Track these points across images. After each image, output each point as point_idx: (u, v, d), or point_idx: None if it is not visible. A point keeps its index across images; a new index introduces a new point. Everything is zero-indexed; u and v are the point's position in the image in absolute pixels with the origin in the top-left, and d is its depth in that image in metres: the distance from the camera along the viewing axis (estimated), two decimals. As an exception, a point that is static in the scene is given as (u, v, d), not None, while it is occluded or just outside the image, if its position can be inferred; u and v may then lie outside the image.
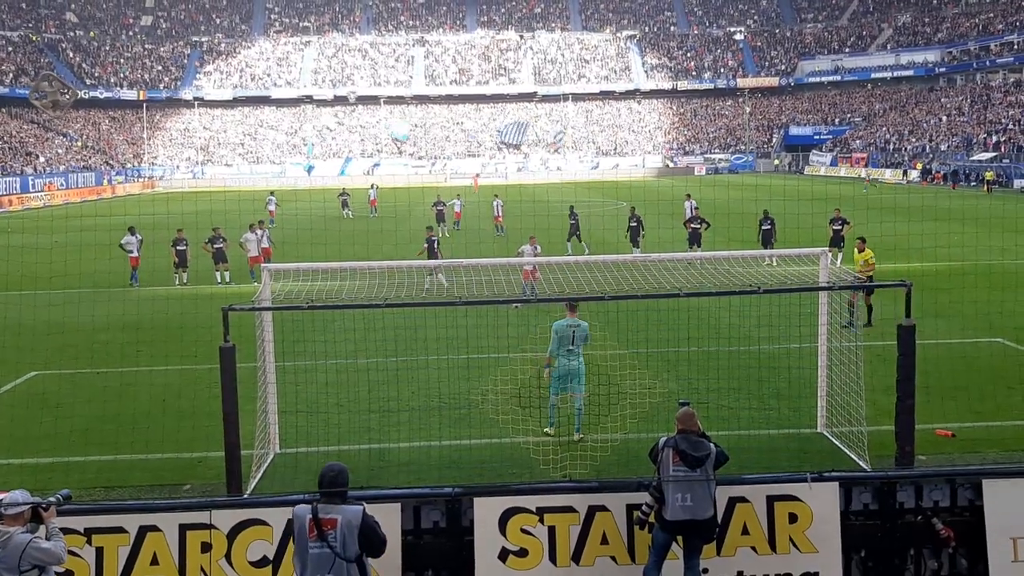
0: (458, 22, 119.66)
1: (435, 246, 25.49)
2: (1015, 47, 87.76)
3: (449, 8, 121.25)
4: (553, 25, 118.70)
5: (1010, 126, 75.40)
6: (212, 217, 29.89)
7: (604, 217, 43.67)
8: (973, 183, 68.18)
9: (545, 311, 13.61)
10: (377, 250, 28.86)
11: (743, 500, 8.81)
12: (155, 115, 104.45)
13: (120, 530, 8.50)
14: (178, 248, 27.96)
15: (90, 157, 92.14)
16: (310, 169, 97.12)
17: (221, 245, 27.98)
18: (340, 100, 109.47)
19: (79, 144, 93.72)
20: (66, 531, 7.38)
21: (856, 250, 19.28)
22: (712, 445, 8.24)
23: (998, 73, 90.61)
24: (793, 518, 8.81)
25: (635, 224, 30.76)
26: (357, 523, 6.57)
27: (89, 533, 8.44)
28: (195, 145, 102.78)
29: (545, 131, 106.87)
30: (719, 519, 8.53)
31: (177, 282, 27.92)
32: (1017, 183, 64.53)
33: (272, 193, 50.71)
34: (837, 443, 12.12)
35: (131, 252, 28.12)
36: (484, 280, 16.14)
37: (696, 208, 35.97)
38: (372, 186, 57.03)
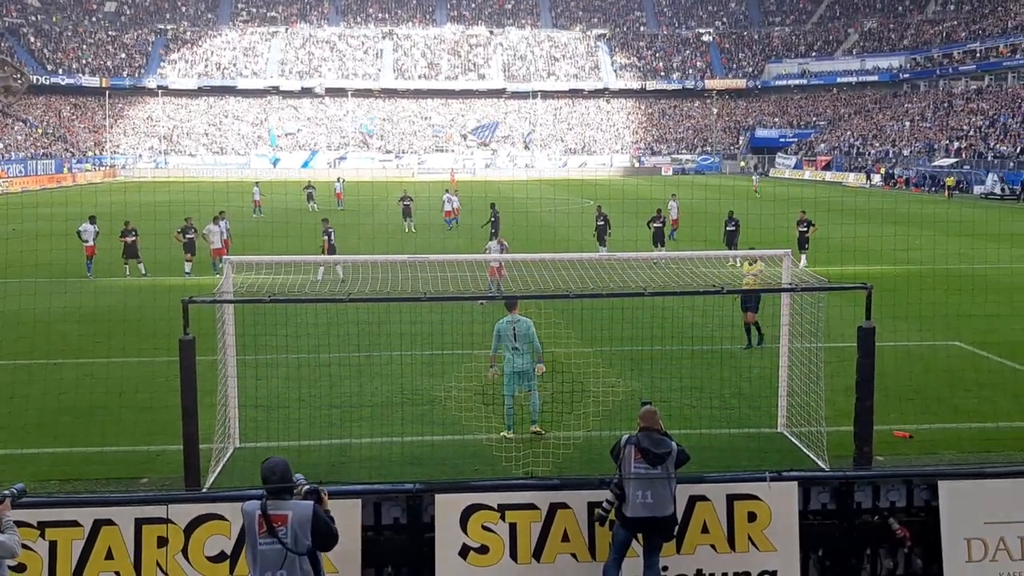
0: (428, 16, 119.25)
1: (331, 238, 26.17)
2: (977, 55, 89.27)
3: (419, 1, 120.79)
4: (523, 22, 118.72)
5: (971, 133, 76.68)
6: (174, 208, 29.51)
7: (570, 215, 43.74)
8: (934, 188, 69.25)
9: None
10: (342, 244, 28.65)
11: (703, 499, 8.86)
12: (118, 103, 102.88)
13: (74, 524, 8.34)
14: (127, 240, 27.57)
15: (50, 144, 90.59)
16: (275, 161, 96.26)
17: (192, 236, 27.67)
18: (307, 92, 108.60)
19: (39, 131, 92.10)
20: (19, 524, 7.22)
21: (748, 262, 18.04)
22: (674, 443, 8.28)
23: (960, 80, 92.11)
24: (752, 517, 8.87)
25: (602, 223, 30.86)
26: (308, 518, 6.53)
27: (42, 526, 8.28)
28: (158, 134, 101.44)
29: (513, 128, 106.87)
30: (679, 517, 8.57)
31: (129, 273, 27.52)
32: (977, 189, 65.63)
33: (257, 184, 50.46)
34: (797, 443, 12.25)
35: (87, 241, 27.67)
36: (449, 276, 16.08)
37: (679, 208, 36.36)
38: (338, 179, 56.68)
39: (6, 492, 6.76)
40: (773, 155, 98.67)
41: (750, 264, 17.61)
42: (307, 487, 6.77)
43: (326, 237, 26.26)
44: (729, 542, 8.81)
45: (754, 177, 60.24)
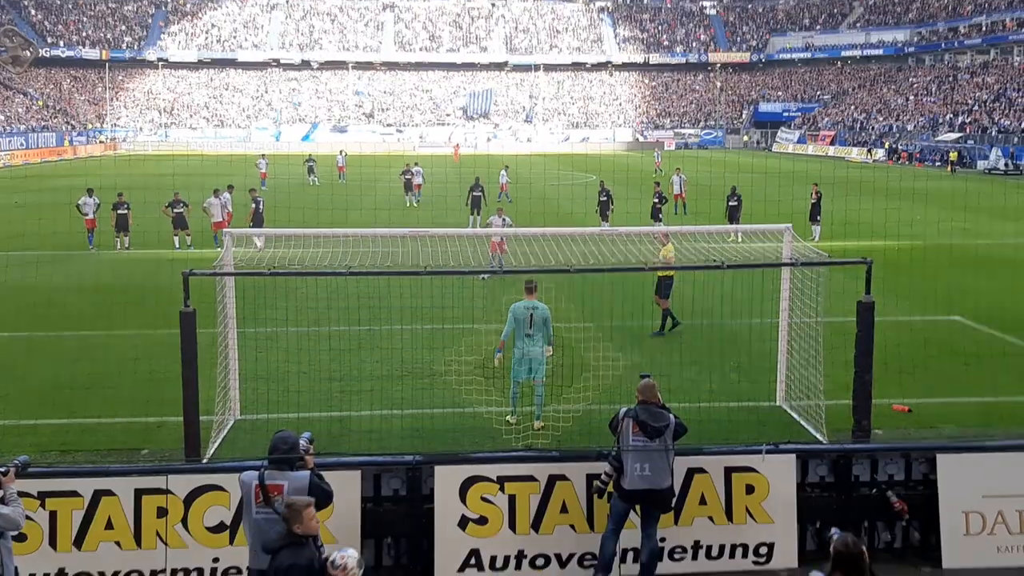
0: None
1: (259, 207, 27.08)
2: (983, 29, 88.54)
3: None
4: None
5: (975, 107, 76.23)
6: (176, 181, 29.43)
7: (573, 188, 43.66)
8: (937, 163, 68.93)
9: (511, 283, 13.58)
10: (343, 217, 28.59)
11: (701, 471, 8.90)
12: (118, 75, 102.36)
13: (74, 494, 8.41)
14: (118, 212, 27.57)
15: (51, 117, 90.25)
16: (278, 136, 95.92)
17: (181, 210, 27.61)
18: (307, 64, 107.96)
19: (39, 104, 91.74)
20: (19, 494, 7.27)
21: (660, 243, 17.19)
22: (672, 416, 8.30)
23: (966, 54, 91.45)
24: (750, 489, 8.92)
25: (605, 198, 30.78)
26: (304, 487, 6.62)
27: (43, 496, 8.35)
28: (159, 107, 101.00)
29: (515, 101, 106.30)
30: (677, 489, 8.60)
31: (118, 246, 27.54)
32: (981, 164, 65.34)
33: (263, 156, 50.28)
34: (795, 416, 12.27)
35: (86, 214, 27.69)
36: (451, 251, 16.06)
37: (685, 182, 36.28)
38: (340, 152, 56.48)
39: (11, 464, 6.79)
40: (776, 130, 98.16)
41: (662, 244, 16.69)
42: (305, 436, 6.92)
43: (254, 206, 27.57)
44: (727, 514, 8.87)
45: (656, 153, 59.73)
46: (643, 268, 15.40)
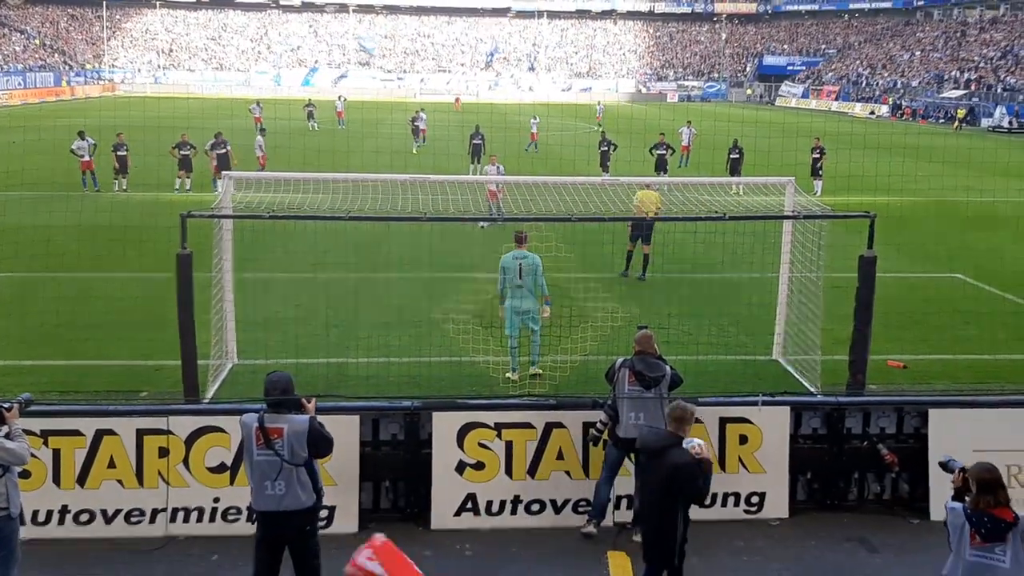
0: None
1: (225, 147, 27.36)
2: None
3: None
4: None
5: (982, 64, 75.46)
6: (176, 123, 29.17)
7: (577, 136, 43.40)
8: (941, 120, 68.46)
9: (511, 231, 13.55)
10: (344, 161, 28.44)
11: (696, 421, 8.95)
12: (115, 15, 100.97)
13: (77, 433, 8.49)
14: (118, 153, 27.47)
15: (48, 56, 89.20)
16: (278, 80, 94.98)
17: (188, 152, 27.52)
18: (308, 7, 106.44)
19: (37, 42, 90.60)
20: (24, 432, 7.33)
21: (640, 188, 17.46)
22: (667, 367, 8.36)
23: (975, 9, 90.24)
24: (744, 439, 9.01)
25: (605, 148, 30.58)
26: (304, 431, 6.65)
27: (46, 435, 8.42)
28: (157, 48, 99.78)
29: (518, 48, 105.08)
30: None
31: (117, 188, 27.50)
32: (985, 122, 64.88)
33: (258, 102, 49.80)
34: (791, 370, 12.34)
35: (82, 156, 27.61)
36: (451, 199, 16.01)
37: (694, 135, 36.10)
38: (339, 97, 56.02)
39: (14, 400, 6.84)
40: (780, 83, 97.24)
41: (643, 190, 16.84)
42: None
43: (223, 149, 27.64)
44: (720, 463, 8.96)
45: (598, 106, 58.57)
46: (644, 218, 15.40)
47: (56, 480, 8.43)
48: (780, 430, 9.09)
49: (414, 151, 39.46)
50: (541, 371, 12.09)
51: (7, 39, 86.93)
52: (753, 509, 9.02)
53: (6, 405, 6.72)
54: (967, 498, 6.03)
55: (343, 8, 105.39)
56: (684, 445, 6.77)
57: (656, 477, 6.77)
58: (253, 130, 44.20)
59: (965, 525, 5.91)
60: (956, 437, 9.02)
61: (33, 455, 7.84)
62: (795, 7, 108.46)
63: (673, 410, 7.02)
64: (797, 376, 12.05)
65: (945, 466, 6.49)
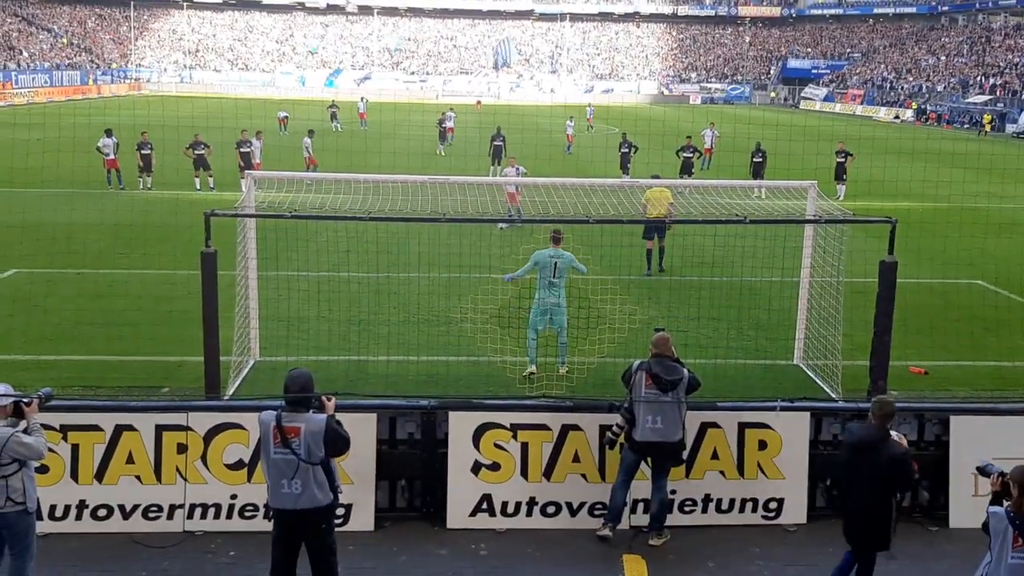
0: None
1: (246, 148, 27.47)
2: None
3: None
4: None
5: (1007, 70, 74.73)
6: (196, 123, 29.39)
7: (594, 138, 43.37)
8: (966, 125, 67.83)
9: (529, 233, 13.55)
10: (363, 162, 28.57)
11: (715, 425, 8.94)
12: (143, 15, 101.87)
13: (96, 428, 8.56)
14: (142, 152, 27.70)
15: (75, 55, 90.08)
16: (303, 81, 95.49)
17: (203, 151, 27.68)
18: (332, 8, 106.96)
19: (64, 41, 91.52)
20: (42, 426, 7.41)
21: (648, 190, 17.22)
22: (685, 370, 8.32)
23: (1000, 15, 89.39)
24: (763, 445, 8.96)
25: (626, 150, 30.52)
26: (320, 430, 6.66)
27: (65, 430, 8.50)
28: (183, 48, 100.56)
29: (540, 50, 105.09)
30: (688, 443, 8.65)
31: (141, 186, 27.75)
32: (1010, 128, 64.23)
33: (286, 112, 50.07)
34: (812, 375, 12.27)
35: (107, 155, 27.87)
36: (470, 199, 16.04)
37: (717, 138, 36.02)
38: (362, 99, 56.29)
39: (34, 395, 6.90)
40: (804, 86, 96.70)
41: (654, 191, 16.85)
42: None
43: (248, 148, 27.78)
44: (738, 469, 8.92)
45: (588, 109, 57.86)
46: (662, 220, 15.38)
47: (74, 475, 8.50)
48: (800, 436, 9.03)
49: (441, 152, 39.51)
50: (567, 370, 12.13)
51: (35, 37, 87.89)
52: (771, 515, 8.97)
53: (25, 400, 6.78)
54: (1007, 501, 6.04)
55: (367, 10, 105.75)
56: (893, 437, 7.22)
57: (872, 469, 7.13)
58: (277, 131, 44.59)
59: (1008, 528, 5.92)
60: (978, 444, 8.91)
61: (51, 450, 7.93)
62: (819, 11, 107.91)
63: (883, 406, 7.29)
64: (818, 381, 11.98)
65: (983, 471, 6.57)
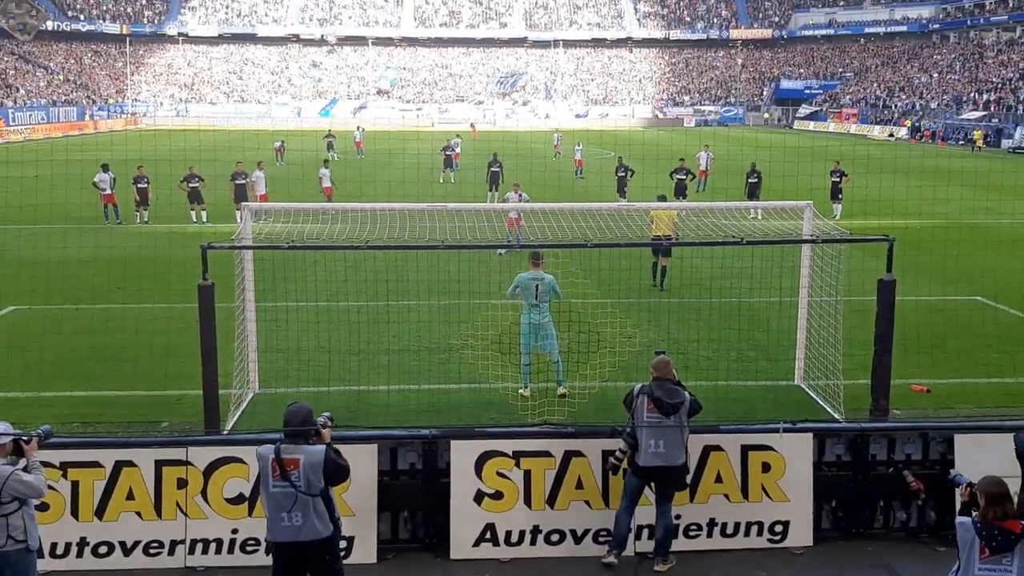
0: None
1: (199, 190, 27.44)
2: (1009, 5, 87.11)
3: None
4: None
5: (1000, 85, 75.15)
6: (189, 155, 29.49)
7: (589, 162, 43.49)
8: (961, 142, 68.12)
9: (527, 257, 13.56)
10: (361, 190, 28.62)
11: (718, 448, 8.89)
12: (138, 50, 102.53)
13: (96, 464, 8.51)
14: (139, 186, 27.76)
15: (71, 91, 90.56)
16: (299, 112, 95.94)
17: (196, 184, 27.72)
18: (327, 40, 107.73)
19: (60, 78, 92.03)
20: (41, 464, 7.36)
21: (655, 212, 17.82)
22: (686, 393, 8.29)
23: (992, 31, 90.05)
24: (766, 467, 8.91)
25: (622, 174, 30.63)
26: (320, 461, 6.64)
27: (65, 467, 8.45)
28: (179, 82, 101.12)
29: (535, 77, 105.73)
30: (691, 466, 8.60)
31: (138, 220, 27.79)
32: (1005, 143, 64.50)
33: (282, 141, 50.14)
34: (813, 395, 12.22)
35: (104, 190, 27.92)
36: (468, 226, 16.05)
37: (712, 160, 36.19)
38: (358, 128, 56.56)
39: (34, 433, 6.87)
40: (798, 107, 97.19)
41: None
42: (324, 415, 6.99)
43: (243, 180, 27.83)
44: (743, 492, 8.86)
45: (556, 135, 56.59)
46: (661, 243, 15.38)
47: (75, 512, 8.44)
48: (803, 457, 8.98)
49: (451, 180, 39.30)
50: (566, 391, 12.10)
51: (31, 75, 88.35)
52: (777, 538, 8.89)
53: (24, 438, 6.74)
54: (974, 512, 6.10)
55: (362, 40, 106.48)
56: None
57: None
58: (274, 161, 44.74)
59: (975, 539, 5.98)
60: (983, 462, 8.84)
61: (52, 487, 7.88)
62: (810, 32, 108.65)
63: None
64: (820, 402, 11.93)
65: (952, 481, 6.65)
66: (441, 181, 39.06)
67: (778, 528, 8.89)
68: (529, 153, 41.59)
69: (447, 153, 41.37)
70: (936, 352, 13.97)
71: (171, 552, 8.47)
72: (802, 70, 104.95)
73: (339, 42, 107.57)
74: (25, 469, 6.66)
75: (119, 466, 8.50)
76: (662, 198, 20.80)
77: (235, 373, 11.48)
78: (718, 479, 8.88)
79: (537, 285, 12.19)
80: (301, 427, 6.74)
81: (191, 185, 27.72)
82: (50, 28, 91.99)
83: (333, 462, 6.68)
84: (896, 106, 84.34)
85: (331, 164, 34.33)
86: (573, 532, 8.77)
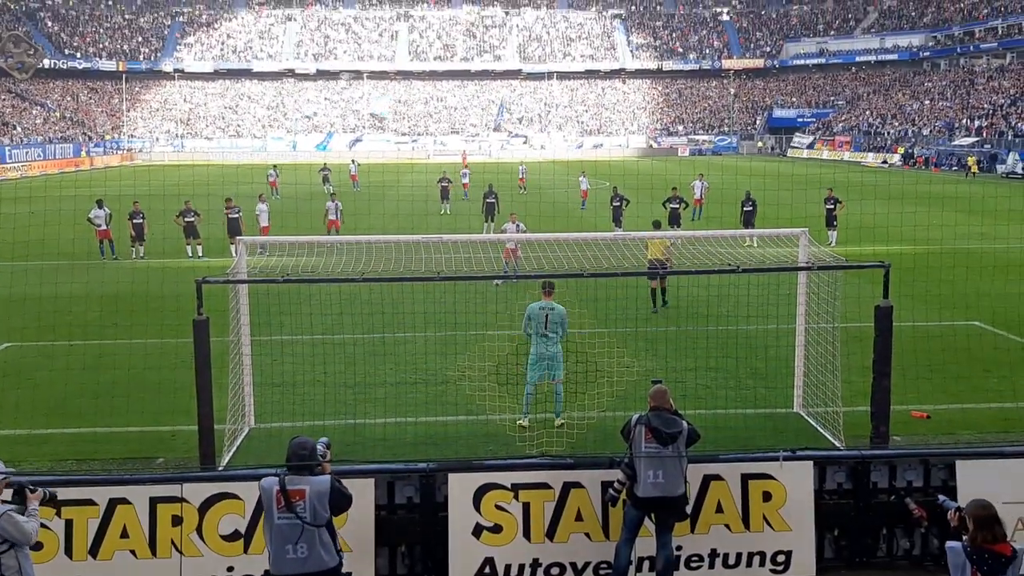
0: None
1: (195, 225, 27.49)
2: (999, 33, 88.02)
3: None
4: (539, 2, 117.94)
5: (992, 111, 75.74)
6: (184, 189, 29.56)
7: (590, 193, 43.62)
8: (954, 168, 68.50)
9: (524, 288, 13.56)
10: (359, 223, 28.67)
11: (717, 478, 8.81)
12: (134, 87, 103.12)
13: (90, 502, 8.41)
14: (134, 221, 27.80)
15: (68, 128, 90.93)
16: (294, 145, 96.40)
17: (192, 219, 27.74)
18: (322, 74, 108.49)
19: (56, 115, 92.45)
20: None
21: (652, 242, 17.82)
22: (684, 422, 8.22)
23: (982, 58, 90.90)
24: (767, 496, 8.82)
25: (617, 204, 30.74)
26: (326, 491, 6.68)
27: (59, 505, 8.32)
28: (175, 118, 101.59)
29: (529, 109, 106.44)
30: (691, 496, 8.52)
31: (134, 255, 27.78)
32: (999, 168, 64.87)
33: (274, 167, 50.35)
34: (813, 423, 12.16)
35: (99, 225, 27.93)
36: (464, 257, 16.05)
37: (707, 188, 36.39)
38: (353, 161, 56.80)
39: (40, 489, 6.86)
40: (791, 135, 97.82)
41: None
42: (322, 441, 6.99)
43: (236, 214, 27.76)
44: (743, 521, 8.77)
45: (520, 167, 55.16)
46: (657, 272, 15.38)
47: (68, 551, 8.32)
48: (804, 486, 8.90)
49: (443, 213, 39.36)
50: (564, 422, 12.02)
51: (28, 112, 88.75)
52: (779, 568, 8.79)
53: (30, 486, 6.74)
54: (964, 536, 6.11)
55: (357, 75, 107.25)
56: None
57: None
58: (270, 195, 44.87)
59: (966, 564, 5.99)
60: (985, 489, 8.78)
61: (45, 526, 7.79)
62: (802, 61, 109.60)
63: None
64: (819, 429, 11.86)
65: (940, 507, 6.71)
66: (441, 213, 39.15)
67: (780, 558, 8.79)
68: (528, 185, 41.79)
69: (443, 184, 41.48)
70: (936, 378, 13.93)
71: (166, 591, 8.34)
72: (794, 99, 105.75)
73: (334, 77, 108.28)
74: (22, 513, 6.62)
75: (113, 504, 8.40)
76: (656, 224, 20.93)
77: (230, 408, 11.40)
78: (719, 509, 8.79)
79: (547, 315, 12.13)
80: (310, 459, 6.72)
81: (187, 220, 27.74)
82: (47, 66, 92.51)
83: (339, 491, 6.75)
84: (889, 133, 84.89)
85: (325, 197, 34.34)
86: (573, 565, 8.66)
